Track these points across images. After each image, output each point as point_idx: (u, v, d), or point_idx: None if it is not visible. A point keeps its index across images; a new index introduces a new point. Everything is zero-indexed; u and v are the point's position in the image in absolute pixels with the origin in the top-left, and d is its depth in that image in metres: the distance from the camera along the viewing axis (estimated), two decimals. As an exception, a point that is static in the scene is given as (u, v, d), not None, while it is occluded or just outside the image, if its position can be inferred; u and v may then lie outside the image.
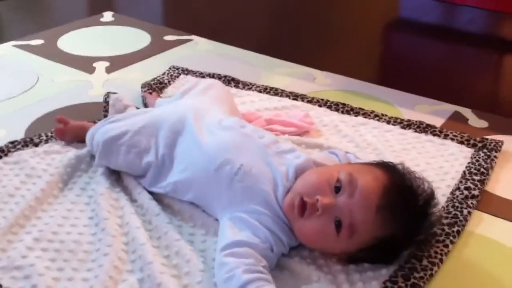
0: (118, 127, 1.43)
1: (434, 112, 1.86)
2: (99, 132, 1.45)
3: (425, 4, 3.06)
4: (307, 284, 1.15)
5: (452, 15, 3.01)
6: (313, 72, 2.15)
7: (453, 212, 1.34)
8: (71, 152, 1.53)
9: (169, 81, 1.99)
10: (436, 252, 1.22)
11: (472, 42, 2.66)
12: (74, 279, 1.15)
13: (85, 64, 2.16)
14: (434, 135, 1.69)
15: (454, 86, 2.14)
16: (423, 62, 2.38)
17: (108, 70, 2.12)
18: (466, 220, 1.34)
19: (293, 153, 1.30)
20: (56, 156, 1.53)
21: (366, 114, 1.79)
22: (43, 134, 1.61)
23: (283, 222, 1.20)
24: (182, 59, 2.21)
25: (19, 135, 1.65)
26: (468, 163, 1.55)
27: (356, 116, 1.79)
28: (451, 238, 1.27)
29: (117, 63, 2.18)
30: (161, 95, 1.88)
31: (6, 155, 1.52)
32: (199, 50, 2.34)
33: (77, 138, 1.58)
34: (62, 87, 1.98)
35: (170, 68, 2.09)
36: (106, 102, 1.74)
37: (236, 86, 1.97)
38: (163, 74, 2.05)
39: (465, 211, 1.35)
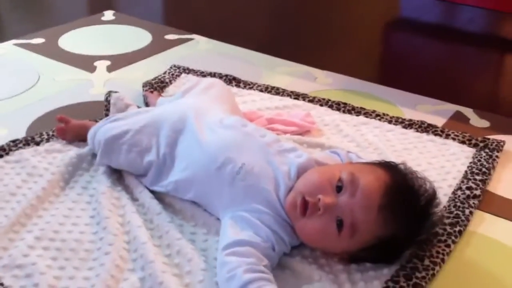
0: (119, 126, 1.43)
1: (435, 111, 1.86)
2: (100, 131, 1.45)
3: (425, 3, 3.06)
4: (309, 283, 1.15)
5: (453, 15, 3.01)
6: (314, 72, 2.15)
7: (455, 212, 1.34)
8: (73, 151, 1.53)
9: (170, 80, 1.99)
10: (438, 252, 1.22)
11: (472, 41, 2.66)
12: (76, 278, 1.15)
13: (86, 63, 2.16)
14: (435, 134, 1.69)
15: (455, 86, 2.13)
16: (423, 62, 2.37)
17: (109, 69, 2.12)
18: (468, 220, 1.34)
19: (295, 152, 1.30)
20: (58, 155, 1.53)
21: (367, 114, 1.79)
22: (44, 133, 1.61)
23: (284, 221, 1.20)
24: (183, 58, 2.21)
25: (21, 134, 1.65)
26: (470, 163, 1.55)
27: (357, 115, 1.79)
28: (453, 238, 1.27)
29: (118, 62, 2.18)
30: (162, 94, 1.89)
31: (7, 154, 1.52)
32: (200, 49, 2.34)
33: (78, 137, 1.58)
34: (63, 86, 1.98)
35: (171, 67, 2.09)
36: (107, 101, 1.74)
37: (237, 86, 1.97)
38: (164, 73, 2.05)
39: (467, 211, 1.35)
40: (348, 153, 1.40)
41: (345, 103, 1.84)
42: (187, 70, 2.07)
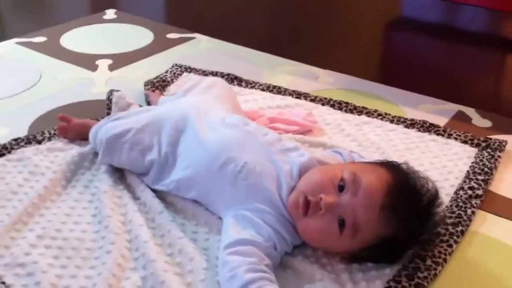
0: (121, 125, 1.43)
1: (437, 111, 1.85)
2: (102, 130, 1.45)
3: (427, 3, 3.06)
4: (310, 283, 1.15)
5: (454, 14, 3.01)
6: (316, 71, 2.15)
7: (457, 212, 1.34)
8: (74, 150, 1.53)
9: (172, 79, 1.99)
10: (440, 252, 1.22)
11: (474, 41, 2.66)
12: (77, 277, 1.15)
13: (87, 61, 2.16)
14: (437, 134, 1.68)
15: (456, 86, 2.13)
16: (425, 61, 2.37)
17: (111, 67, 2.12)
18: (470, 220, 1.34)
19: (297, 151, 1.30)
20: (59, 153, 1.53)
21: (369, 113, 1.79)
22: (46, 132, 1.61)
23: (286, 220, 1.20)
24: (185, 57, 2.21)
25: (22, 132, 1.65)
26: (472, 162, 1.55)
27: (359, 115, 1.79)
28: (455, 238, 1.27)
29: (120, 61, 2.18)
30: (164, 93, 1.88)
31: (9, 152, 1.52)
32: (201, 48, 2.34)
33: (80, 136, 1.58)
34: (65, 85, 1.98)
35: (173, 66, 2.09)
36: (109, 99, 1.74)
37: (239, 85, 1.97)
38: (166, 72, 2.04)
39: (469, 211, 1.35)
40: (351, 152, 1.40)
41: (347, 103, 1.84)
42: (189, 69, 2.07)
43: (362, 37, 2.65)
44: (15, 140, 1.57)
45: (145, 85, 1.92)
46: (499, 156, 1.57)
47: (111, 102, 1.72)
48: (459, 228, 1.30)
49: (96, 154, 1.48)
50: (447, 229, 1.28)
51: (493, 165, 1.53)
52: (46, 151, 1.54)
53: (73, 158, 1.48)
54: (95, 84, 1.99)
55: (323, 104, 1.84)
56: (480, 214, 1.39)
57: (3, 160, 1.50)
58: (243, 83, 1.98)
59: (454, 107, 1.89)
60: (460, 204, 1.37)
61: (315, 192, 1.16)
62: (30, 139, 1.57)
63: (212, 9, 2.94)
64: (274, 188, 1.21)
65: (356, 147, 1.60)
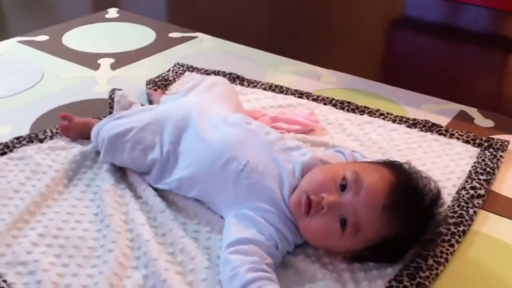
0: (123, 124, 1.43)
1: (439, 111, 1.85)
2: (104, 129, 1.45)
3: (430, 2, 3.06)
4: (312, 282, 1.15)
5: (457, 14, 3.00)
6: (318, 70, 2.15)
7: (459, 212, 1.34)
8: (76, 148, 1.53)
9: (174, 78, 1.99)
10: (441, 252, 1.22)
11: (476, 41, 2.66)
12: (79, 275, 1.15)
13: (90, 60, 2.16)
14: (439, 134, 1.68)
15: (458, 85, 2.13)
16: (427, 61, 2.37)
17: (113, 66, 2.12)
18: (472, 220, 1.34)
19: (299, 150, 1.30)
20: (61, 152, 1.53)
21: (371, 113, 1.79)
22: (48, 130, 1.61)
23: (288, 219, 1.20)
24: (187, 56, 2.21)
25: (24, 131, 1.65)
26: (474, 162, 1.55)
27: (361, 114, 1.78)
28: (456, 237, 1.27)
29: (122, 59, 2.18)
30: (166, 92, 1.88)
31: (11, 151, 1.52)
32: (204, 48, 2.34)
33: (81, 134, 1.58)
34: (67, 84, 1.98)
35: (175, 65, 2.09)
36: (111, 98, 1.74)
37: (241, 84, 1.97)
38: (168, 71, 2.05)
39: (471, 211, 1.35)
40: (353, 152, 1.40)
41: (349, 102, 1.84)
42: (191, 68, 2.07)
43: (364, 36, 2.65)
44: (17, 138, 1.57)
45: (147, 84, 1.92)
46: (501, 156, 1.57)
47: (113, 101, 1.72)
48: (461, 228, 1.29)
49: (98, 153, 1.48)
50: (449, 229, 1.28)
51: (495, 165, 1.53)
52: (48, 150, 1.54)
53: (75, 157, 1.48)
54: (97, 83, 1.99)
55: (325, 104, 1.84)
56: (482, 214, 1.38)
57: (5, 158, 1.50)
58: (245, 83, 1.98)
59: (456, 107, 1.88)
60: (462, 204, 1.37)
61: (317, 192, 1.16)
62: (32, 138, 1.57)
63: (213, 9, 2.94)
64: (276, 187, 1.21)
65: (358, 147, 1.60)
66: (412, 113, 1.83)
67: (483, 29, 2.81)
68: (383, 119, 1.76)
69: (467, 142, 1.65)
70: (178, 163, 1.35)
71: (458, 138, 1.66)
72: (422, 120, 1.74)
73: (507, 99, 2.09)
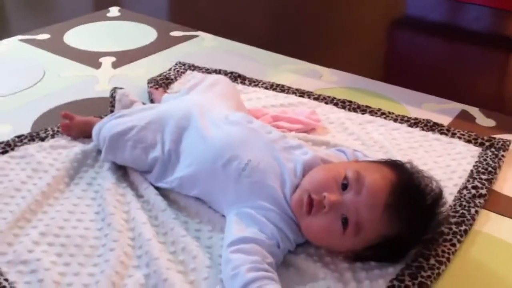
0: (124, 123, 1.43)
1: (441, 110, 1.85)
2: (105, 127, 1.45)
3: (431, 2, 3.06)
4: (313, 281, 1.15)
5: (458, 13, 3.00)
6: (320, 70, 2.14)
7: (461, 211, 1.34)
8: (78, 147, 1.53)
9: (175, 77, 1.99)
10: (443, 251, 1.22)
11: (478, 40, 2.65)
12: (80, 274, 1.15)
13: (91, 59, 2.16)
14: (441, 133, 1.68)
15: (460, 85, 2.13)
16: (429, 60, 2.37)
17: (114, 65, 2.12)
18: (474, 219, 1.33)
19: (301, 149, 1.30)
20: (63, 150, 1.53)
21: (373, 112, 1.79)
22: (49, 129, 1.61)
23: (290, 218, 1.20)
24: (188, 55, 2.21)
25: (26, 129, 1.65)
26: (476, 162, 1.55)
27: (362, 114, 1.78)
28: (458, 237, 1.27)
29: (123, 58, 2.18)
30: (167, 91, 1.88)
31: (12, 149, 1.52)
32: (205, 46, 2.34)
33: (83, 133, 1.58)
34: (68, 82, 1.98)
35: (176, 64, 2.09)
36: (112, 97, 1.74)
37: (243, 83, 1.97)
38: (170, 70, 2.05)
39: (472, 210, 1.35)
40: (354, 151, 1.40)
41: (350, 101, 1.83)
42: (192, 67, 2.07)
43: (365, 36, 2.65)
44: (18, 137, 1.57)
45: (148, 83, 1.92)
46: (503, 156, 1.57)
47: (114, 100, 1.72)
48: (463, 228, 1.29)
49: (99, 151, 1.48)
50: (450, 228, 1.28)
51: (497, 165, 1.53)
52: (49, 148, 1.54)
53: (76, 156, 1.48)
54: (98, 82, 1.99)
55: (326, 103, 1.84)
56: (484, 213, 1.38)
57: (6, 157, 1.50)
58: (246, 82, 1.97)
59: (458, 106, 1.88)
60: (464, 203, 1.37)
61: (319, 191, 1.16)
62: (33, 136, 1.57)
63: (215, 8, 2.93)
64: (277, 185, 1.21)
65: (359, 146, 1.60)
66: (414, 112, 1.83)
67: (484, 29, 2.81)
68: (385, 118, 1.76)
69: (468, 141, 1.64)
70: (179, 161, 1.35)
71: (459, 138, 1.66)
72: (423, 120, 1.73)
73: (508, 99, 2.09)
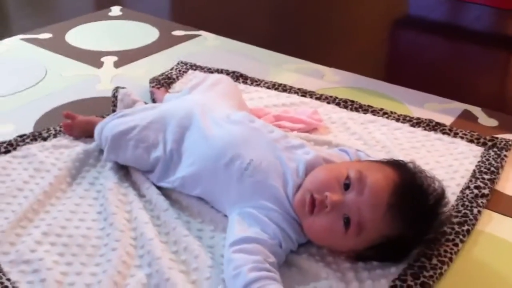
0: (126, 122, 1.43)
1: (443, 110, 1.85)
2: (107, 127, 1.45)
3: (433, 1, 3.06)
4: (316, 281, 1.15)
5: (460, 13, 3.00)
6: (322, 69, 2.14)
7: (463, 211, 1.34)
8: (80, 147, 1.53)
9: (177, 77, 1.99)
10: (445, 251, 1.22)
11: (479, 40, 2.65)
12: (83, 274, 1.15)
13: (93, 58, 2.16)
14: (443, 133, 1.68)
15: (461, 85, 2.13)
16: (431, 60, 2.37)
17: (116, 64, 2.12)
18: (476, 219, 1.33)
19: (303, 148, 1.30)
20: (65, 150, 1.53)
21: (375, 112, 1.78)
22: (51, 128, 1.61)
23: (292, 218, 1.20)
24: (190, 55, 2.21)
25: (28, 129, 1.65)
26: (478, 162, 1.54)
27: (365, 113, 1.78)
28: (460, 237, 1.27)
29: (125, 57, 2.18)
30: (169, 90, 1.88)
31: (15, 149, 1.53)
32: (207, 46, 2.34)
33: (85, 133, 1.58)
34: (70, 81, 1.98)
35: (178, 64, 2.09)
36: (114, 96, 1.74)
37: (245, 82, 1.97)
38: (171, 69, 2.04)
39: (475, 210, 1.35)
40: (357, 151, 1.40)
41: (352, 101, 1.83)
42: (194, 67, 2.07)
43: (368, 35, 2.65)
44: (20, 136, 1.57)
45: (150, 82, 1.92)
46: (505, 156, 1.57)
47: (116, 99, 1.72)
48: (465, 227, 1.29)
49: (101, 151, 1.48)
50: (453, 228, 1.28)
51: (499, 164, 1.52)
52: (52, 148, 1.54)
53: (78, 155, 1.48)
54: (100, 81, 1.99)
55: (328, 103, 1.84)
56: (486, 213, 1.38)
57: (8, 157, 1.50)
58: (248, 81, 1.97)
59: (460, 106, 1.88)
60: (466, 203, 1.37)
61: (321, 190, 1.16)
62: (36, 136, 1.57)
63: (217, 7, 2.93)
64: (280, 185, 1.21)
65: (361, 146, 1.59)
66: (416, 112, 1.83)
67: (486, 28, 2.81)
68: (387, 118, 1.76)
69: (471, 141, 1.64)
70: (181, 161, 1.35)
71: (462, 137, 1.66)
72: (425, 119, 1.73)
73: (511, 99, 2.08)
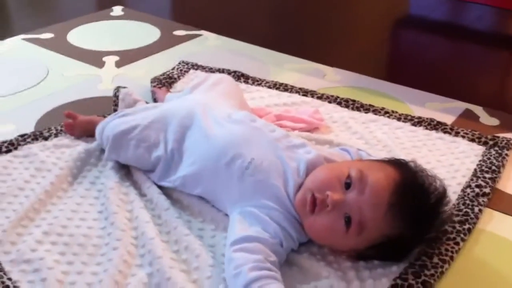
0: (127, 122, 1.43)
1: (445, 109, 1.85)
2: (108, 126, 1.45)
3: (434, 1, 3.05)
4: (317, 280, 1.15)
5: (461, 12, 3.00)
6: (323, 69, 2.14)
7: (464, 210, 1.34)
8: (81, 146, 1.53)
9: (178, 76, 1.99)
10: (446, 250, 1.22)
11: (480, 39, 2.65)
12: (84, 273, 1.15)
13: (94, 58, 2.16)
14: (445, 132, 1.68)
15: (463, 84, 2.13)
16: (432, 60, 2.37)
17: (118, 64, 2.12)
18: (477, 218, 1.33)
19: (304, 148, 1.30)
20: (66, 150, 1.53)
21: (376, 111, 1.78)
22: (52, 128, 1.61)
23: (293, 217, 1.19)
24: (192, 54, 2.21)
25: (29, 128, 1.65)
26: (479, 161, 1.54)
27: (366, 112, 1.78)
28: (462, 235, 1.26)
29: (126, 57, 2.18)
30: (170, 90, 1.88)
31: (16, 148, 1.53)
32: (208, 45, 2.34)
33: (86, 132, 1.58)
34: (71, 81, 1.98)
35: (179, 63, 2.09)
36: (116, 96, 1.74)
37: (246, 82, 1.96)
38: (173, 69, 2.04)
39: (476, 209, 1.35)
40: (358, 150, 1.40)
41: (353, 100, 1.83)
42: (196, 66, 2.07)
43: (369, 35, 2.65)
44: (21, 136, 1.57)
45: (151, 82, 1.92)
46: (506, 155, 1.57)
47: (117, 99, 1.73)
48: (466, 226, 1.29)
49: (102, 150, 1.48)
50: (454, 227, 1.28)
51: (500, 163, 1.52)
52: (53, 148, 1.54)
53: (80, 155, 1.48)
54: (101, 81, 1.99)
55: (329, 102, 1.84)
56: (487, 212, 1.38)
57: (9, 156, 1.50)
58: (249, 81, 1.97)
59: (462, 105, 1.88)
60: (467, 202, 1.37)
61: (322, 190, 1.16)
62: (37, 136, 1.57)
63: (218, 7, 2.93)
64: (281, 184, 1.21)
65: (363, 145, 1.59)
66: (417, 111, 1.83)
67: (487, 28, 2.81)
68: (388, 117, 1.76)
69: (472, 140, 1.64)
70: (182, 160, 1.35)
71: (463, 137, 1.66)
72: (427, 119, 1.73)
73: (511, 99, 2.08)
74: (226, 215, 1.28)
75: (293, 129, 1.63)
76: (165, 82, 1.92)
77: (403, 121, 1.73)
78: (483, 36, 2.70)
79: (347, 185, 1.15)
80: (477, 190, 1.41)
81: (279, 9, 2.96)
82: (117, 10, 2.70)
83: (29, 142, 1.55)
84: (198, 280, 1.13)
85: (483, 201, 1.38)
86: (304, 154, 1.27)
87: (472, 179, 1.46)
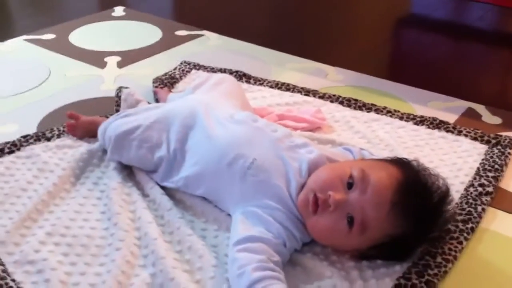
0: (130, 122, 1.43)
1: (447, 108, 1.85)
2: (111, 127, 1.45)
3: (436, 0, 3.05)
4: (320, 280, 1.15)
5: (463, 11, 3.00)
6: (325, 68, 2.14)
7: (467, 209, 1.34)
8: (83, 147, 1.53)
9: (180, 76, 1.99)
10: (450, 249, 1.22)
11: (483, 38, 2.65)
12: (87, 274, 1.15)
13: (96, 58, 2.16)
14: (447, 131, 1.68)
15: (465, 83, 2.12)
16: (434, 58, 2.36)
17: (120, 64, 2.12)
18: (480, 217, 1.33)
19: (307, 147, 1.29)
20: (68, 150, 1.53)
21: (378, 110, 1.78)
22: (55, 129, 1.61)
23: (296, 217, 1.19)
24: (193, 54, 2.21)
25: (31, 129, 1.65)
26: (482, 159, 1.54)
27: (368, 112, 1.78)
28: (465, 235, 1.26)
29: (128, 58, 2.18)
30: (172, 90, 1.88)
31: (18, 149, 1.53)
32: (210, 45, 2.34)
33: (88, 133, 1.58)
34: (73, 82, 1.98)
35: (181, 63, 2.09)
36: (118, 96, 1.74)
37: (248, 82, 1.96)
38: (175, 69, 2.04)
39: (479, 208, 1.34)
40: (361, 150, 1.39)
41: (356, 100, 1.83)
42: (197, 66, 2.07)
43: (371, 34, 2.65)
44: (24, 137, 1.57)
45: (153, 82, 1.92)
46: (509, 153, 1.57)
47: (120, 99, 1.73)
48: (469, 225, 1.29)
49: (105, 151, 1.48)
50: (457, 226, 1.28)
51: (503, 162, 1.52)
52: (55, 148, 1.54)
53: (82, 155, 1.48)
54: (103, 81, 1.99)
55: (332, 101, 1.84)
56: (490, 211, 1.38)
57: (12, 157, 1.50)
58: (251, 80, 1.97)
59: (464, 104, 1.88)
60: (470, 201, 1.37)
61: (324, 190, 1.15)
62: (39, 136, 1.57)
63: (219, 7, 2.93)
64: (283, 184, 1.21)
65: (365, 144, 1.59)
66: (420, 110, 1.83)
67: (489, 27, 2.81)
68: (390, 116, 1.75)
69: (475, 139, 1.64)
70: (185, 161, 1.35)
71: (466, 135, 1.65)
72: (429, 117, 1.73)
73: (513, 97, 2.09)
74: (229, 215, 1.27)
75: (295, 128, 1.62)
76: (167, 82, 1.92)
77: (405, 120, 1.73)
78: (486, 35, 2.70)
79: (349, 185, 1.15)
80: (480, 189, 1.41)
81: (281, 8, 2.96)
82: (119, 10, 2.70)
83: (31, 143, 1.55)
84: (201, 280, 1.13)
85: (486, 200, 1.38)
86: (306, 154, 1.27)
87: (475, 178, 1.46)
